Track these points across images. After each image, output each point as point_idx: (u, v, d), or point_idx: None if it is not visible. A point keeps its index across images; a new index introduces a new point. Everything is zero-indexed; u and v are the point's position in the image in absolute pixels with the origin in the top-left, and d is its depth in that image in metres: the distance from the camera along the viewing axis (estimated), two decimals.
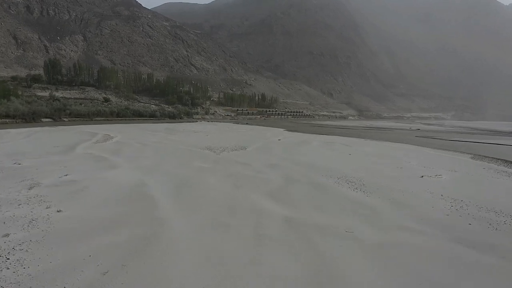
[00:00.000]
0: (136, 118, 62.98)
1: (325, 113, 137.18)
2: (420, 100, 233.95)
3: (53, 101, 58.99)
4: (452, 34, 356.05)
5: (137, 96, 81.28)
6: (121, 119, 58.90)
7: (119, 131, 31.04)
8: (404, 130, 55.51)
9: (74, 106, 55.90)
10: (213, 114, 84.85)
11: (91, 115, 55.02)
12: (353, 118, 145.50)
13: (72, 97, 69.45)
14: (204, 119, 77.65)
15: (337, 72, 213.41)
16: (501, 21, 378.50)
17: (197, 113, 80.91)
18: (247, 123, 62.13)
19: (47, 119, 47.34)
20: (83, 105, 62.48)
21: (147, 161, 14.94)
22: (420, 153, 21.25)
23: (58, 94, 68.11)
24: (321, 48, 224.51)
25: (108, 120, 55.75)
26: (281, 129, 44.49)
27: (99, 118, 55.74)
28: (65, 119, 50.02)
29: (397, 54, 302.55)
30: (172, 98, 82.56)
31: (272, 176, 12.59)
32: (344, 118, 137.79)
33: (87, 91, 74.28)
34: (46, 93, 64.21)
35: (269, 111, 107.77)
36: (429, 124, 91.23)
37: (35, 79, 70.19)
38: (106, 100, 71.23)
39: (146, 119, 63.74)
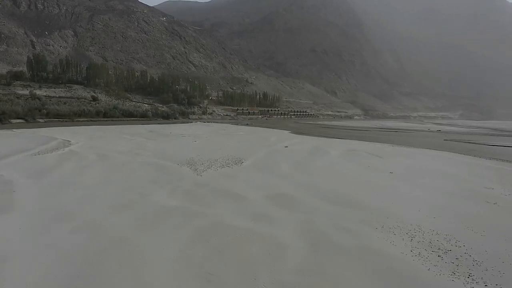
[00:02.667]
0: (125, 119, 57.22)
1: (329, 112, 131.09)
2: (426, 99, 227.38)
3: (33, 100, 53.35)
4: (457, 31, 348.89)
5: (129, 95, 75.51)
6: (106, 120, 53.11)
7: (88, 136, 25.25)
8: (424, 131, 49.49)
9: (54, 105, 50.15)
10: (211, 114, 79.00)
11: (73, 115, 49.23)
12: (358, 117, 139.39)
13: (57, 95, 63.72)
14: (201, 119, 71.83)
15: (341, 70, 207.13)
16: (506, 18, 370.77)
17: (193, 113, 75.10)
18: (247, 124, 56.24)
19: (18, 120, 41.56)
20: (67, 104, 56.85)
21: (73, 194, 9.06)
22: (484, 169, 15.27)
23: (41, 92, 62.43)
24: (324, 46, 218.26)
25: (91, 121, 49.96)
26: (286, 131, 38.53)
27: (81, 119, 49.93)
28: (40, 120, 44.24)
29: (401, 51, 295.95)
30: (167, 97, 76.78)
31: (284, 231, 6.77)
32: (350, 118, 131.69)
33: (74, 90, 68.54)
34: (27, 91, 58.62)
35: (271, 110, 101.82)
36: (442, 124, 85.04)
37: (17, 76, 64.44)
38: (94, 99, 65.47)
39: (137, 120, 58.00)
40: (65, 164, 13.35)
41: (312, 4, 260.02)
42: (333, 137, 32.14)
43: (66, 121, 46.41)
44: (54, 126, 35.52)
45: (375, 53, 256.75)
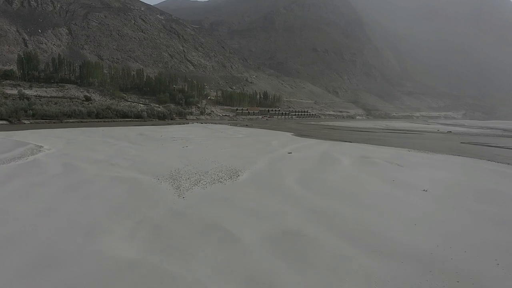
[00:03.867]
0: (118, 120, 54.48)
1: (331, 112, 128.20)
2: (428, 98, 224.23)
3: (21, 100, 50.56)
4: (459, 31, 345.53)
5: (124, 95, 72.73)
6: (98, 121, 50.37)
7: (67, 140, 22.51)
8: (434, 133, 46.66)
9: (43, 106, 47.34)
10: (209, 114, 76.19)
11: (62, 116, 46.44)
12: (360, 117, 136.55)
13: (48, 95, 61.03)
14: (198, 119, 69.03)
15: (342, 69, 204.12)
16: (509, 17, 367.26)
17: (191, 113, 72.30)
18: (246, 125, 53.45)
19: (1, 122, 38.87)
20: (58, 104, 54.10)
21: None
22: None
23: (31, 92, 59.73)
24: (325, 45, 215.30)
25: (82, 122, 47.23)
26: (288, 134, 35.72)
27: (71, 120, 47.18)
28: (25, 122, 41.46)
29: (403, 51, 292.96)
30: (163, 97, 74.00)
31: None
32: (352, 118, 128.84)
33: (67, 89, 65.82)
34: (16, 91, 55.88)
35: (272, 110, 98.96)
36: (449, 125, 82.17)
37: (6, 75, 61.66)
38: (87, 99, 62.77)
39: (130, 121, 55.26)
40: (13, 180, 10.55)
41: (312, 2, 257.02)
42: (340, 140, 29.35)
43: (54, 123, 43.66)
44: (38, 128, 32.81)
45: (376, 52, 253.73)
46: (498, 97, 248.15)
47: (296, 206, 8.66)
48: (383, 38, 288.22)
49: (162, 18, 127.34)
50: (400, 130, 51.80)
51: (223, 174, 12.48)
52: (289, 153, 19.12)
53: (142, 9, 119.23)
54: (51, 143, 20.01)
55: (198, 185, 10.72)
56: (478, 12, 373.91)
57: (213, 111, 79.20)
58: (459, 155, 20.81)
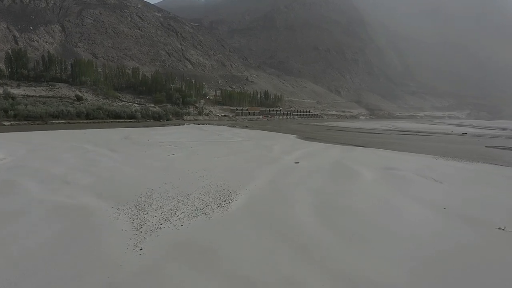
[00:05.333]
0: (109, 120, 51.27)
1: (334, 112, 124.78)
2: (432, 98, 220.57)
3: (6, 99, 47.32)
4: (462, 30, 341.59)
5: (119, 94, 69.49)
6: (88, 122, 47.18)
7: (33, 146, 19.29)
8: (447, 135, 43.31)
9: (27, 106, 44.04)
10: (207, 114, 72.88)
11: (47, 117, 43.19)
12: (364, 117, 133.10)
13: (37, 94, 57.86)
14: (196, 120, 65.78)
15: (344, 68, 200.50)
16: None
17: (188, 114, 68.99)
18: (246, 126, 50.16)
19: None
20: (46, 104, 50.88)
21: None
22: None
23: (19, 91, 56.58)
24: (327, 44, 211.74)
25: (69, 123, 44.00)
26: (292, 136, 32.37)
27: (57, 121, 43.94)
28: (5, 123, 38.18)
29: (405, 50, 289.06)
30: (159, 96, 70.74)
31: None
32: (355, 118, 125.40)
33: (58, 88, 62.63)
34: (1, 90, 52.69)
35: (273, 110, 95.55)
36: (457, 125, 78.71)
37: None
38: (79, 98, 59.61)
39: (123, 122, 52.02)
40: None
41: (313, 1, 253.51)
42: (350, 144, 26.02)
43: (38, 124, 40.45)
44: (18, 131, 29.53)
45: (378, 51, 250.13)
46: (502, 96, 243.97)
47: (318, 270, 5.32)
48: (384, 37, 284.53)
49: (160, 15, 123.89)
50: (410, 131, 48.41)
51: (211, 199, 9.15)
52: (295, 163, 15.76)
53: (139, 6, 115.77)
54: (9, 150, 16.73)
55: (171, 220, 7.41)
56: (481, 11, 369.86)
57: (211, 111, 75.90)
58: (495, 164, 17.47)
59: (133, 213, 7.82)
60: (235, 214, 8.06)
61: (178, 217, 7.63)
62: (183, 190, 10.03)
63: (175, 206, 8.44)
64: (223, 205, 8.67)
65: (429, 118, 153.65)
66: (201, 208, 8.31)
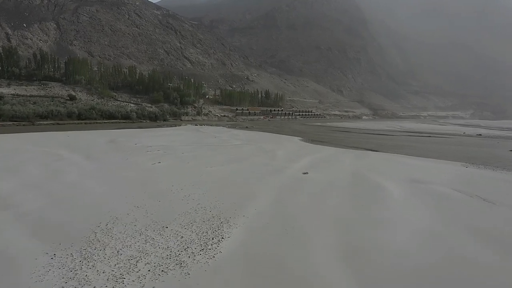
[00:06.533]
0: (102, 121, 48.83)
1: (336, 112, 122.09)
2: (435, 98, 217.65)
3: None
4: (464, 29, 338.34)
5: (114, 94, 67.00)
6: (79, 123, 44.75)
7: None
8: (461, 136, 40.65)
9: (13, 106, 41.53)
10: (206, 115, 70.33)
11: (34, 117, 40.69)
12: (367, 117, 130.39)
13: (28, 94, 55.40)
14: (194, 120, 63.30)
15: (346, 68, 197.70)
16: None
17: (186, 114, 66.47)
18: (246, 127, 47.59)
19: None
20: (36, 104, 48.38)
21: None
22: None
23: (9, 90, 54.16)
24: (328, 43, 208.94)
25: (58, 124, 41.53)
26: (296, 139, 29.73)
27: (46, 122, 41.46)
28: None
29: (407, 49, 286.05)
30: (157, 96, 68.23)
31: None
32: (358, 118, 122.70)
33: (50, 87, 60.21)
34: None
35: (274, 110, 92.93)
36: (464, 125, 76.02)
37: None
38: (72, 98, 57.15)
39: (117, 122, 49.56)
40: None
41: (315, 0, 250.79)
42: (362, 148, 23.45)
43: (24, 125, 37.94)
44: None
45: (380, 50, 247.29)
46: (505, 96, 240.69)
47: None
48: (386, 36, 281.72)
49: (159, 13, 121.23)
50: (420, 132, 45.73)
51: (193, 235, 6.57)
52: (304, 173, 13.13)
53: (137, 3, 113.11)
54: None
55: (125, 280, 4.80)
56: (483, 9, 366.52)
57: (210, 111, 73.32)
58: None
59: (72, 265, 5.22)
60: (226, 264, 5.46)
61: (138, 273, 5.03)
62: (158, 218, 7.43)
63: (140, 250, 5.85)
64: (209, 247, 6.07)
65: (433, 118, 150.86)
66: (177, 254, 5.71)
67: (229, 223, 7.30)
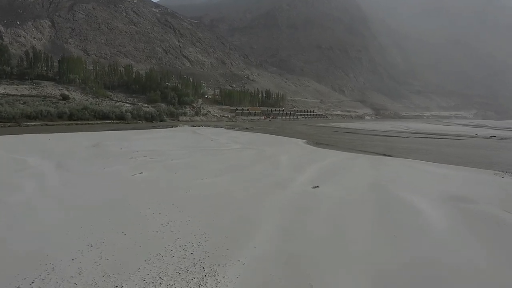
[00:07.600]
0: (95, 122, 46.61)
1: (338, 112, 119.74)
2: (437, 97, 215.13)
3: None
4: (465, 28, 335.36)
5: (110, 93, 64.80)
6: (69, 124, 42.50)
7: None
8: (473, 137, 38.36)
9: (0, 106, 39.29)
10: (205, 115, 68.07)
11: (21, 118, 38.45)
12: (370, 117, 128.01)
13: (19, 93, 53.24)
14: (192, 121, 61.05)
15: (348, 67, 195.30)
16: None
17: (184, 114, 64.18)
18: (246, 128, 45.32)
19: None
20: (26, 104, 46.18)
21: None
22: None
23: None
24: (330, 42, 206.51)
25: (47, 125, 39.24)
26: (300, 141, 27.39)
27: (33, 123, 39.20)
28: None
29: (409, 49, 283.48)
30: (154, 95, 66.02)
31: None
32: (361, 118, 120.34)
33: (43, 86, 58.05)
34: None
35: (275, 110, 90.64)
36: (471, 126, 73.71)
37: None
38: (65, 97, 55.03)
39: (110, 123, 47.33)
40: None
41: None
42: (373, 152, 21.21)
43: (9, 126, 35.69)
44: None
45: (382, 49, 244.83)
46: (508, 95, 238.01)
47: None
48: (387, 35, 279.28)
49: (157, 11, 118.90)
50: (429, 134, 43.44)
51: None
52: (314, 187, 10.80)
53: (134, 1, 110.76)
54: None
55: None
56: (483, 9, 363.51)
57: (209, 112, 71.04)
58: None
59: None
60: None
61: None
62: (113, 268, 5.12)
63: None
64: None
65: (436, 118, 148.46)
66: None
67: (216, 276, 4.99)
